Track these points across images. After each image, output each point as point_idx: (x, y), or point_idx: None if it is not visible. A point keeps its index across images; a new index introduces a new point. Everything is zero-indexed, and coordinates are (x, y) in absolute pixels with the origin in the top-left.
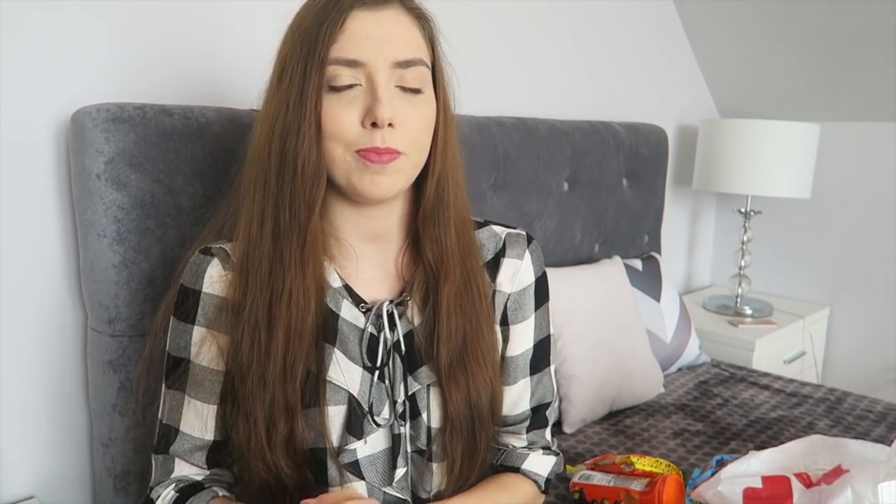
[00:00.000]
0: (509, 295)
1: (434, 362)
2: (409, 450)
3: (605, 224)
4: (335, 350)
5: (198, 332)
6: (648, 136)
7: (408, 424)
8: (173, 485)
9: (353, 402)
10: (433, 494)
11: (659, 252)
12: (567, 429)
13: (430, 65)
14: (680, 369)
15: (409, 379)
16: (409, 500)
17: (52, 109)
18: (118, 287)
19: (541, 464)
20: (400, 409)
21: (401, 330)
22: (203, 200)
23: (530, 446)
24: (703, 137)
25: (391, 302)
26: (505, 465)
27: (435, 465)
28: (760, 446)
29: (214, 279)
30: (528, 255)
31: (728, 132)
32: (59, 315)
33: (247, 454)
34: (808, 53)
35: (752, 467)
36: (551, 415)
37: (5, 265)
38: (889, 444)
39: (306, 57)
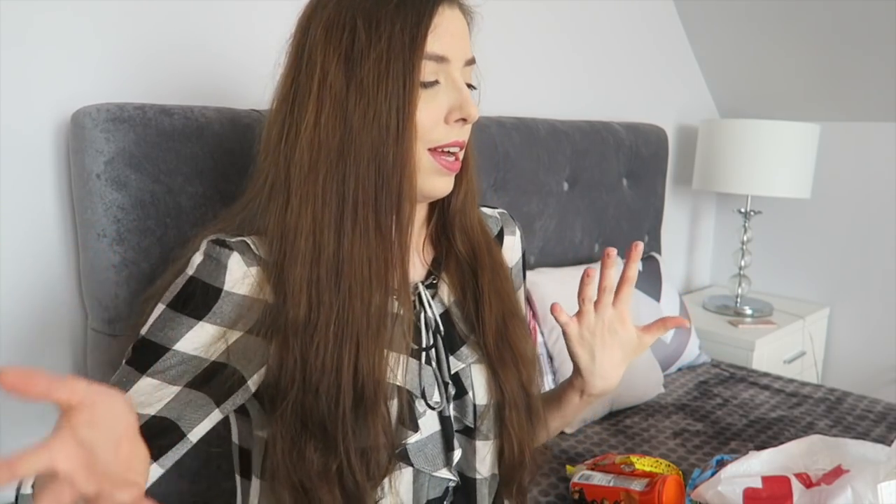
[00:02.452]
0: (511, 267)
1: (482, 349)
2: (455, 430)
3: (605, 224)
4: None
5: (205, 329)
6: (648, 136)
7: (451, 404)
8: None
9: (402, 395)
10: (485, 478)
11: (659, 252)
12: (567, 429)
13: None
14: (680, 369)
15: (452, 358)
16: (458, 479)
17: (52, 109)
18: (118, 287)
19: None
20: (452, 390)
21: (436, 310)
22: (203, 200)
23: None
24: (703, 137)
25: (422, 282)
26: None
27: (479, 444)
28: (760, 446)
29: (238, 277)
30: (517, 230)
31: (728, 132)
32: (59, 315)
33: (323, 487)
34: (808, 53)
35: (752, 467)
36: None
37: (5, 265)
38: (889, 444)
39: (399, 51)
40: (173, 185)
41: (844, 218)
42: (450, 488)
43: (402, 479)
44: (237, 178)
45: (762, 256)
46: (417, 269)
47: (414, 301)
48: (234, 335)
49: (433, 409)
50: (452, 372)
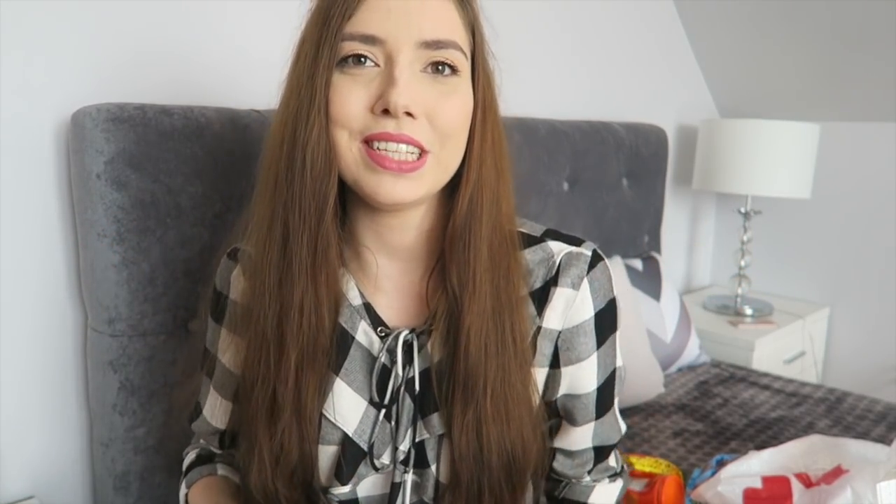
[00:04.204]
0: (559, 332)
1: (445, 406)
2: (409, 502)
3: (605, 224)
4: (337, 380)
5: (223, 332)
6: (648, 136)
7: (411, 472)
8: (197, 449)
9: (346, 443)
10: None
11: (659, 252)
12: None
13: (468, 52)
14: (680, 369)
15: (419, 424)
16: None
17: (52, 109)
18: (118, 287)
19: (607, 493)
20: (401, 455)
21: (418, 366)
22: (203, 200)
23: (595, 480)
24: (703, 137)
25: (412, 331)
26: (568, 500)
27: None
28: (760, 446)
29: (236, 285)
30: (585, 284)
31: (728, 132)
32: (59, 315)
33: (247, 473)
34: (808, 53)
35: (752, 467)
36: (614, 450)
37: (5, 265)
38: (889, 444)
39: (319, 32)
40: (173, 185)
41: (844, 218)
42: None
43: None
44: (237, 178)
45: (762, 256)
46: (410, 310)
47: (395, 352)
48: (240, 342)
49: (377, 470)
50: (418, 440)
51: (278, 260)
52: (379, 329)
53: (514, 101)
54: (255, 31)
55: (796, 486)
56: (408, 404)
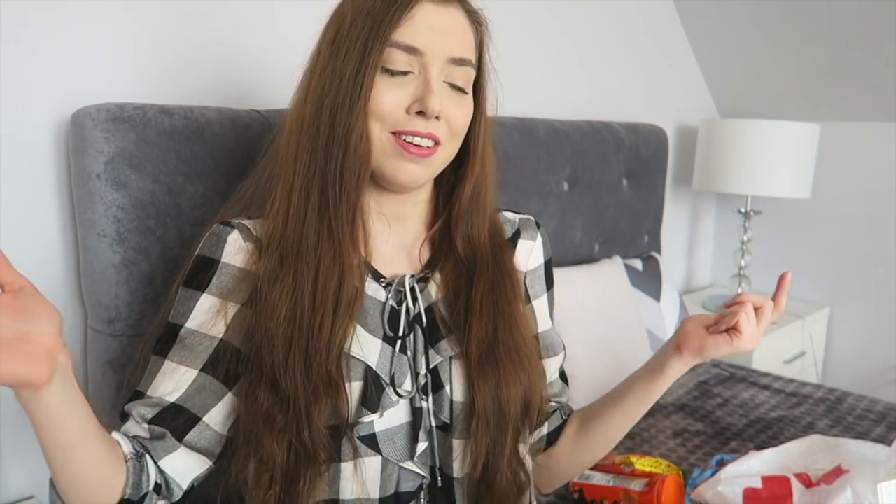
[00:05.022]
0: (525, 273)
1: (464, 355)
2: (431, 424)
3: (605, 224)
4: (355, 324)
5: (206, 299)
6: (648, 136)
7: (430, 398)
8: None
9: (369, 376)
10: (460, 479)
11: (659, 252)
12: None
13: (475, 68)
14: None
15: (431, 352)
16: (428, 476)
17: (52, 109)
18: (118, 287)
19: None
20: (423, 381)
21: (422, 303)
22: (203, 200)
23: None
24: (703, 137)
25: (412, 276)
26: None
27: (456, 443)
28: (760, 446)
29: (234, 250)
30: (539, 236)
31: (728, 132)
32: None
33: (266, 433)
34: (808, 53)
35: (752, 467)
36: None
37: None
38: (889, 444)
39: (367, 35)
40: (173, 185)
41: (844, 218)
42: (424, 485)
43: (369, 467)
44: (237, 178)
45: (762, 256)
46: (404, 264)
47: (402, 292)
48: (232, 309)
49: (401, 396)
50: (431, 365)
51: (317, 225)
52: (380, 280)
53: (515, 101)
54: (256, 31)
55: (796, 486)
56: (419, 336)
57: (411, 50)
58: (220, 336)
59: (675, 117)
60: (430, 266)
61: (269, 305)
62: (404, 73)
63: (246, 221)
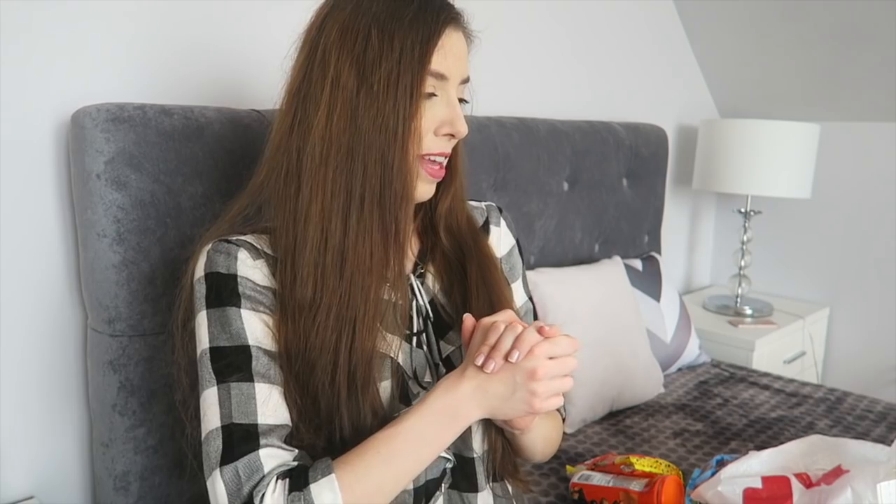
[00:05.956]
0: (501, 258)
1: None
2: None
3: (605, 224)
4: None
5: (245, 313)
6: (648, 136)
7: None
8: (274, 478)
9: (397, 373)
10: (480, 456)
11: (659, 252)
12: (567, 429)
13: None
14: (680, 369)
15: (442, 343)
16: (453, 459)
17: (52, 109)
18: (118, 287)
19: None
20: (443, 371)
21: (425, 297)
22: (203, 200)
23: None
24: (703, 137)
25: (412, 273)
26: None
27: (475, 425)
28: (760, 446)
29: (248, 266)
30: (502, 221)
31: (728, 132)
32: (59, 315)
33: (311, 426)
34: (807, 53)
35: (752, 467)
36: None
37: (5, 265)
38: (889, 444)
39: (410, 65)
40: (173, 185)
41: (844, 218)
42: (447, 469)
43: None
44: (237, 178)
45: (762, 256)
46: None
47: (410, 288)
48: (266, 318)
49: (424, 388)
50: (444, 355)
51: (368, 242)
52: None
53: (515, 101)
54: (256, 31)
55: (796, 486)
56: (430, 330)
57: (439, 76)
58: (275, 349)
59: (675, 117)
60: (421, 258)
61: (308, 335)
62: (431, 96)
63: (246, 238)
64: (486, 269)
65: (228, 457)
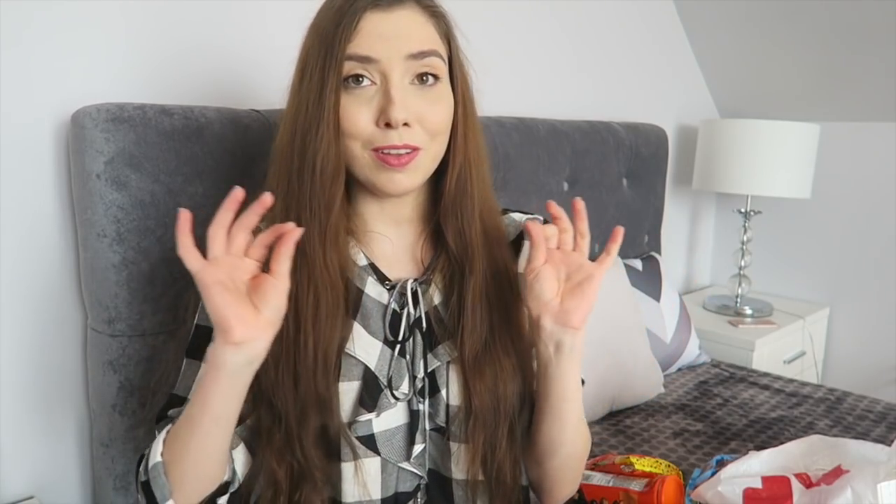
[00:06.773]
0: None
1: (458, 354)
2: (427, 427)
3: (605, 224)
4: (355, 324)
5: None
6: (648, 136)
7: (426, 401)
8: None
9: (367, 377)
10: (460, 482)
11: (659, 252)
12: None
13: (446, 58)
14: (680, 369)
15: (429, 356)
16: (425, 476)
17: (52, 109)
18: (118, 287)
19: None
20: (420, 384)
21: (423, 307)
22: (203, 200)
23: None
24: (703, 137)
25: (414, 280)
26: None
27: (454, 445)
28: (760, 446)
29: None
30: None
31: (728, 132)
32: (59, 315)
33: (267, 449)
34: (807, 53)
35: (752, 467)
36: None
37: (5, 265)
38: (889, 444)
39: (324, 57)
40: (173, 185)
41: (844, 218)
42: (421, 485)
43: (370, 468)
44: (237, 178)
45: (762, 256)
46: (409, 266)
47: (405, 295)
48: None
49: (398, 399)
50: (430, 369)
51: (309, 234)
52: (385, 283)
53: (515, 101)
54: (256, 31)
55: (796, 487)
56: (418, 340)
57: (365, 59)
58: None
59: (675, 117)
60: (431, 267)
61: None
62: (362, 83)
63: None
64: (494, 286)
65: (160, 415)
